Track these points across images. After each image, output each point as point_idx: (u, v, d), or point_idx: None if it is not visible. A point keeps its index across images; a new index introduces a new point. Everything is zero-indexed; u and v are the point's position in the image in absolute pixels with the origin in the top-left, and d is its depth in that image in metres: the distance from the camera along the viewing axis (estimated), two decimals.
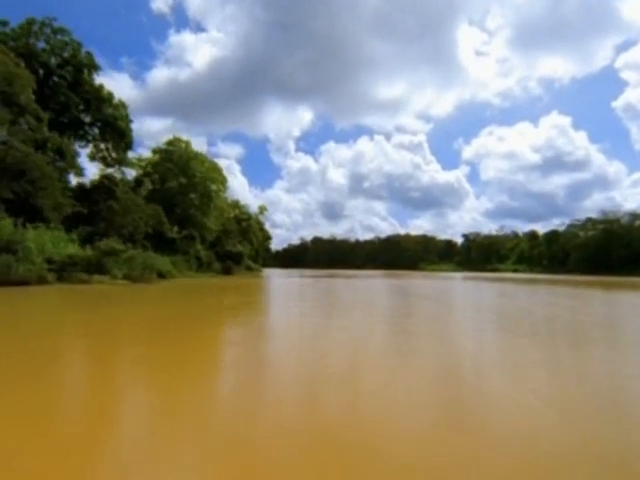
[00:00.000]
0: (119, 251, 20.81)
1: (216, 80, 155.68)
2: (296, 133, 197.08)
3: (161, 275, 26.49)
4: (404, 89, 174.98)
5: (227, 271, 42.86)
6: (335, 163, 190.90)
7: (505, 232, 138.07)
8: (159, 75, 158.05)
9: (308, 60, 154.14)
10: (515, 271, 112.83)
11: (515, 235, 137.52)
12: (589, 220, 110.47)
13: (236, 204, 55.20)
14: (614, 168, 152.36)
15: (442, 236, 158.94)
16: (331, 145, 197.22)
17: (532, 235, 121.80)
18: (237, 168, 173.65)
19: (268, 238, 73.31)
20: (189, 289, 20.34)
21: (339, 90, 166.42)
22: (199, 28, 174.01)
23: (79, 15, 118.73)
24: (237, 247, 47.57)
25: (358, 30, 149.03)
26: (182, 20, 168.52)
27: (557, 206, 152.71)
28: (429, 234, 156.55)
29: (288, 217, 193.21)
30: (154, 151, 37.97)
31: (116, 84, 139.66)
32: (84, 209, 29.35)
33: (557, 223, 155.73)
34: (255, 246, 56.95)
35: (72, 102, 33.03)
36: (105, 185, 27.82)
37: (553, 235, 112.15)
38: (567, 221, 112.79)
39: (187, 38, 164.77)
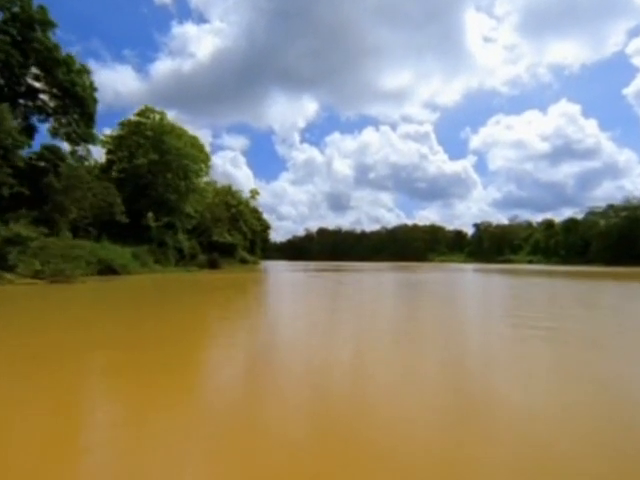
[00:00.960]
0: (26, 238, 14.92)
1: (220, 71, 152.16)
2: (301, 124, 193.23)
3: (113, 271, 20.67)
4: (410, 78, 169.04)
5: (213, 264, 36.96)
6: (341, 154, 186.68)
7: (518, 221, 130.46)
8: (162, 67, 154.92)
9: (312, 49, 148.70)
10: (530, 262, 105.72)
11: (528, 225, 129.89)
12: (610, 207, 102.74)
13: (228, 190, 49.07)
14: (625, 156, 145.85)
15: (450, 227, 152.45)
16: (336, 136, 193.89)
17: (548, 224, 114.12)
18: (242, 160, 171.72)
19: (267, 227, 67.11)
20: (119, 295, 14.41)
21: (344, 79, 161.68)
22: (201, 19, 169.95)
23: (80, 7, 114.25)
24: (225, 237, 41.54)
25: (362, 18, 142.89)
26: (184, 11, 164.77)
27: (566, 195, 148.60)
28: (437, 224, 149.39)
29: (294, 209, 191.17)
30: (121, 124, 32.00)
31: (119, 76, 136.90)
32: (25, 189, 23.55)
33: (567, 213, 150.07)
34: (249, 236, 50.84)
35: (14, 62, 27.02)
36: (45, 158, 21.89)
37: (571, 223, 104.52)
38: (578, 210, 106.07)
39: (190, 29, 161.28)
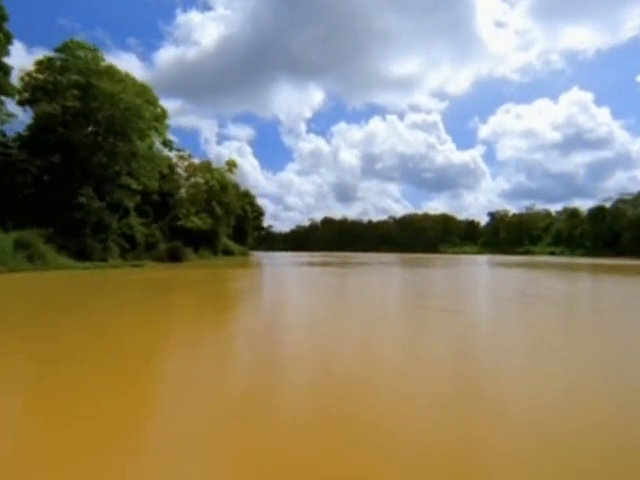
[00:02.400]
0: None
1: (224, 59, 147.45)
2: (307, 114, 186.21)
3: None
4: (418, 65, 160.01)
5: (174, 256, 28.14)
6: (347, 144, 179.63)
7: (536, 210, 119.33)
8: (167, 55, 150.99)
9: (318, 36, 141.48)
10: (552, 254, 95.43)
11: (546, 214, 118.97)
12: None
13: (207, 166, 39.88)
14: (638, 146, 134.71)
15: (460, 217, 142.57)
16: (342, 126, 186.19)
17: (571, 213, 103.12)
18: (248, 150, 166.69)
19: (260, 214, 57.94)
20: None
21: (350, 67, 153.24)
22: (206, 6, 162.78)
23: None
24: (193, 221, 32.55)
25: (370, 3, 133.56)
26: None
27: (577, 186, 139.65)
28: (449, 214, 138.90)
29: (301, 200, 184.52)
30: (38, 63, 22.93)
31: (123, 65, 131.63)
32: None
33: (578, 204, 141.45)
34: (230, 220, 41.67)
35: None
36: None
37: (598, 212, 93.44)
38: (591, 201, 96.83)
39: (194, 17, 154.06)
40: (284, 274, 20.51)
